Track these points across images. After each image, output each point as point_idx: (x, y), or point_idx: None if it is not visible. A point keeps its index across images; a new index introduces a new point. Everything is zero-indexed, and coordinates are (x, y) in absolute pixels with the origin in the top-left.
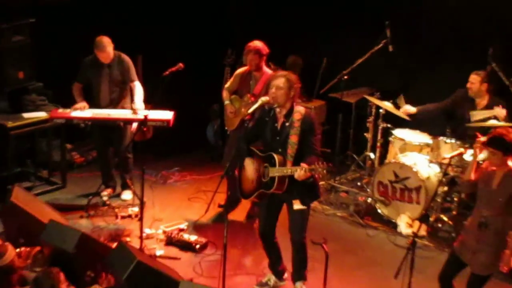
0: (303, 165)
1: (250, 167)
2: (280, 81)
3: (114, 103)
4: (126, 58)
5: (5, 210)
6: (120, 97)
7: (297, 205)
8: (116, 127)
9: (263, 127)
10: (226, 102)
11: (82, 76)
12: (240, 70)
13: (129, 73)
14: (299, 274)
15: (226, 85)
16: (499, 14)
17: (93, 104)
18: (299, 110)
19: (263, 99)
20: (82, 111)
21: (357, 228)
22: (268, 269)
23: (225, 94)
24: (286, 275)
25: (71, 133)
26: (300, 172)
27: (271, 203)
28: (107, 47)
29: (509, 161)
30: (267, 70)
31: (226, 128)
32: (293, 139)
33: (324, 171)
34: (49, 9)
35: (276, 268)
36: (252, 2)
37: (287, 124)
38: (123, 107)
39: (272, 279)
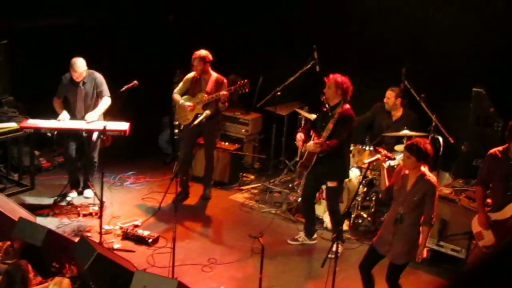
0: (315, 139)
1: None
2: (329, 83)
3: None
4: (98, 75)
5: None
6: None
7: (330, 183)
8: (82, 136)
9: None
10: (181, 101)
11: (61, 92)
12: (189, 75)
13: (100, 88)
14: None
15: (176, 90)
16: (410, 40)
17: (70, 116)
18: (343, 106)
19: (208, 111)
20: (62, 121)
21: (289, 224)
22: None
23: (177, 96)
24: (315, 236)
25: (39, 141)
26: (310, 144)
27: (311, 175)
28: (80, 68)
29: (422, 167)
30: (213, 73)
31: (179, 123)
32: (330, 125)
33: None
34: (21, 31)
35: (308, 228)
36: (198, 29)
37: (330, 114)
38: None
39: (302, 236)
